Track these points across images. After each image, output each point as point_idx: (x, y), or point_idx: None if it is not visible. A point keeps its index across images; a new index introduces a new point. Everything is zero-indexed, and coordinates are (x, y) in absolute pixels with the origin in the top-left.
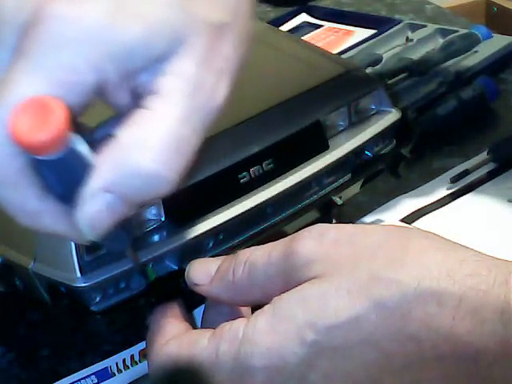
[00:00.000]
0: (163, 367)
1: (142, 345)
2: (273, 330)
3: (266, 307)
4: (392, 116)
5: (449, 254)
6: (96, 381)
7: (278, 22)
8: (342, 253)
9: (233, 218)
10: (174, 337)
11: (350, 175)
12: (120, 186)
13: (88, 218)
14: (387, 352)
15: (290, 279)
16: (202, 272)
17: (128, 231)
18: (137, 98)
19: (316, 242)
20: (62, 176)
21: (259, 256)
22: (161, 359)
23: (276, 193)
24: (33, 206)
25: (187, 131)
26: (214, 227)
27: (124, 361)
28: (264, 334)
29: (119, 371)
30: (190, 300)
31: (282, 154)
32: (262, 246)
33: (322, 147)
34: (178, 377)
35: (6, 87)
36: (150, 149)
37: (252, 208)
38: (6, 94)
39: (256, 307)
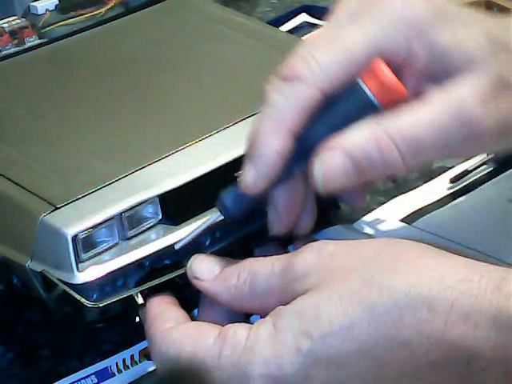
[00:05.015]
0: (167, 353)
1: (141, 345)
2: (272, 340)
3: (267, 317)
4: None
5: (440, 260)
6: (96, 381)
7: (278, 22)
8: (336, 264)
9: None
10: (178, 323)
11: None
12: (359, 154)
13: (322, 168)
14: (381, 360)
15: (287, 290)
16: (206, 268)
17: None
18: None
19: (314, 255)
20: (343, 116)
21: (263, 265)
22: (166, 344)
23: None
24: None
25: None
26: (211, 225)
27: (124, 361)
28: (264, 344)
29: (119, 371)
30: (188, 301)
31: None
32: (267, 257)
33: None
34: (180, 367)
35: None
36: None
37: None
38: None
39: None
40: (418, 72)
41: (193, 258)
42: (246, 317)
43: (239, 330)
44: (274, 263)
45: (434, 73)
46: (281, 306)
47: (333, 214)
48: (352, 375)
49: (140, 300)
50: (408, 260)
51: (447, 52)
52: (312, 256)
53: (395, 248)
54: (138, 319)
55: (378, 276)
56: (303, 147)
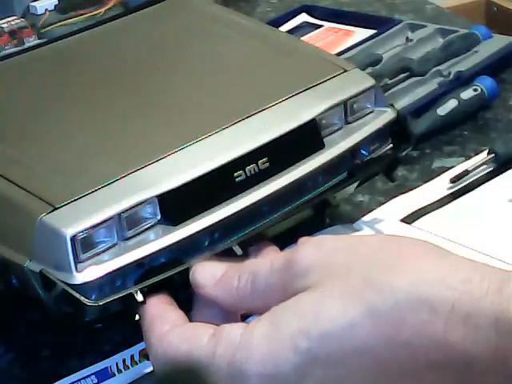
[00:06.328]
0: (164, 355)
1: (142, 345)
2: (269, 338)
3: (264, 315)
4: (387, 115)
5: (442, 260)
6: (96, 381)
7: (278, 21)
8: (337, 261)
9: (228, 217)
10: (176, 325)
11: (345, 174)
12: None
13: None
14: (381, 360)
15: (288, 287)
16: (207, 274)
17: None
18: None
19: (314, 250)
20: None
21: (262, 264)
22: (163, 347)
23: (272, 191)
24: None
25: None
26: (210, 226)
27: (124, 361)
28: (260, 342)
29: (119, 371)
30: (186, 302)
31: (278, 153)
32: (266, 257)
33: (318, 146)
34: (177, 368)
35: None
36: None
37: (247, 206)
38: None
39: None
40: None
41: (194, 267)
42: (242, 319)
43: (234, 329)
44: (273, 261)
45: None
46: (279, 304)
47: (328, 212)
48: (351, 374)
49: (140, 297)
50: (409, 258)
51: None
52: (312, 251)
53: (396, 245)
54: (137, 317)
55: (379, 275)
56: None
